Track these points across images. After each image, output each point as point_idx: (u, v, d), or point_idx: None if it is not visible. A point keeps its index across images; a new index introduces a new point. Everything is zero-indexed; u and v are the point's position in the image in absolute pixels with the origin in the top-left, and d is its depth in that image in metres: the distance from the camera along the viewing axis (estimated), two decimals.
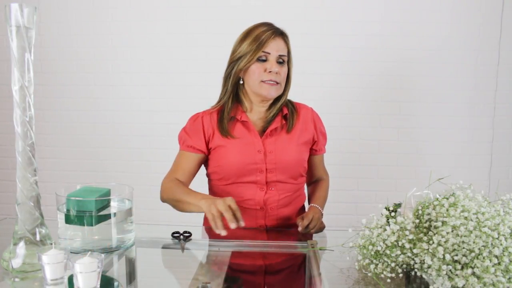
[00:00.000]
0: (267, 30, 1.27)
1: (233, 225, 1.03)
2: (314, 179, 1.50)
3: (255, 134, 1.32)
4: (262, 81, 1.28)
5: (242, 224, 1.05)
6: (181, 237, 1.19)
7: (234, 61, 1.30)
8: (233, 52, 1.31)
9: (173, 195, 1.26)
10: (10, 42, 0.93)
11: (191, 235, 1.20)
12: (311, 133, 1.38)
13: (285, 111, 1.35)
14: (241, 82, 1.34)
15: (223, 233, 1.04)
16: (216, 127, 1.33)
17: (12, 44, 0.92)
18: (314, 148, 1.41)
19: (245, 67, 1.28)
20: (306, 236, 1.24)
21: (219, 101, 1.37)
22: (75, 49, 2.55)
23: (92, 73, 2.57)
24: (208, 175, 1.42)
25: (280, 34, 1.30)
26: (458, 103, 2.47)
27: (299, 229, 1.24)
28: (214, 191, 1.40)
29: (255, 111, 1.36)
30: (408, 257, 0.91)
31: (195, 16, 2.47)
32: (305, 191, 1.49)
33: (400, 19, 2.42)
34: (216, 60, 2.56)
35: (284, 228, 1.36)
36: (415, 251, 0.88)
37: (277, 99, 1.35)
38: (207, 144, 1.34)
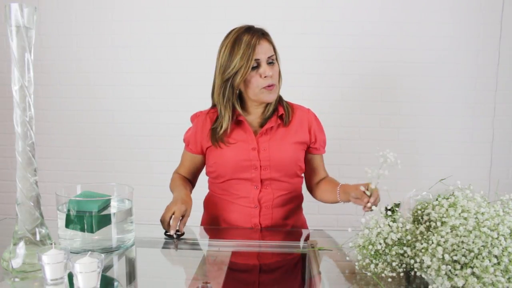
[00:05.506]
0: (250, 37, 1.26)
1: (171, 232, 1.19)
2: (319, 180, 1.46)
3: (250, 133, 1.34)
4: (262, 88, 1.28)
5: (180, 231, 1.22)
6: (174, 235, 1.19)
7: (230, 77, 1.28)
8: (225, 68, 1.29)
9: (171, 187, 1.43)
10: (10, 42, 0.93)
11: (183, 233, 1.21)
12: (306, 135, 1.38)
13: (280, 111, 1.36)
14: (237, 91, 1.33)
15: (172, 232, 1.19)
16: (209, 137, 1.35)
17: (12, 44, 0.92)
18: (312, 146, 1.40)
19: (242, 80, 1.28)
20: (305, 236, 1.25)
21: (219, 112, 1.34)
22: (75, 49, 2.55)
23: (92, 73, 2.56)
24: (206, 173, 1.45)
25: (262, 35, 1.30)
26: (458, 103, 2.47)
27: (368, 205, 1.13)
28: (212, 189, 1.45)
29: (253, 113, 1.37)
30: (408, 256, 0.91)
31: (195, 16, 2.47)
32: (303, 193, 1.47)
33: (400, 19, 2.42)
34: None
35: (279, 228, 1.36)
36: (417, 245, 0.88)
37: None
38: (201, 145, 1.38)
